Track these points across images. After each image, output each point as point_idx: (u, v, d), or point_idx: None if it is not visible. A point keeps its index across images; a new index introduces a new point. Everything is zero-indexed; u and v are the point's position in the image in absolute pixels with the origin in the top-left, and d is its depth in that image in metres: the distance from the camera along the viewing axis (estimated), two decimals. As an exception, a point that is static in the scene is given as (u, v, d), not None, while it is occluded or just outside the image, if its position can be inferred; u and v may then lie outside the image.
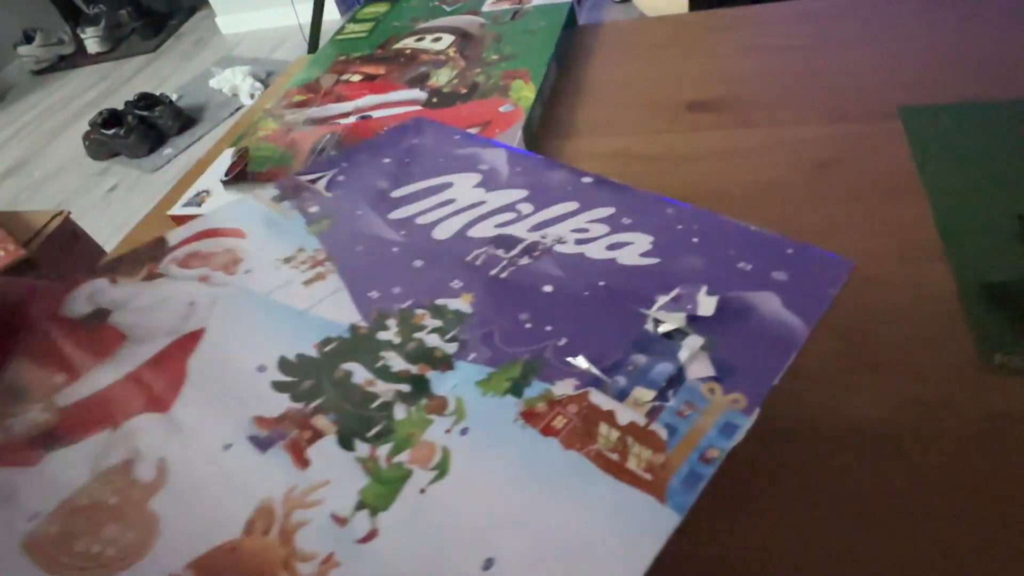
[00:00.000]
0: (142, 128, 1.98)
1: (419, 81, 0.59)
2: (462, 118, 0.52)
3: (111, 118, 1.99)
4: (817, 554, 0.25)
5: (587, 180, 0.32)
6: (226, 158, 0.54)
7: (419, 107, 0.55)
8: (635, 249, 0.28)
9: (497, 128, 0.49)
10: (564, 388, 0.22)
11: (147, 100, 2.06)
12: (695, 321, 0.24)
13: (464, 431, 0.21)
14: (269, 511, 0.19)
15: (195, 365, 0.24)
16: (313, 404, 0.22)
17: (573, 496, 0.19)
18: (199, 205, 0.50)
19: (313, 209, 0.33)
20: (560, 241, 0.29)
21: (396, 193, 0.33)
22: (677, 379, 0.22)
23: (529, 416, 0.21)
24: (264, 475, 0.20)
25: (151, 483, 0.20)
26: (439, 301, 0.26)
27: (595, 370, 0.22)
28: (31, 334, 0.27)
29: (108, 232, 1.79)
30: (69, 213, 1.23)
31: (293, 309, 0.26)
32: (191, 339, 0.26)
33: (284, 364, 0.24)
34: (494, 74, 0.57)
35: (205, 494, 0.20)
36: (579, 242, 0.28)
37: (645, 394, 0.21)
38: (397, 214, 0.32)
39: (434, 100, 0.55)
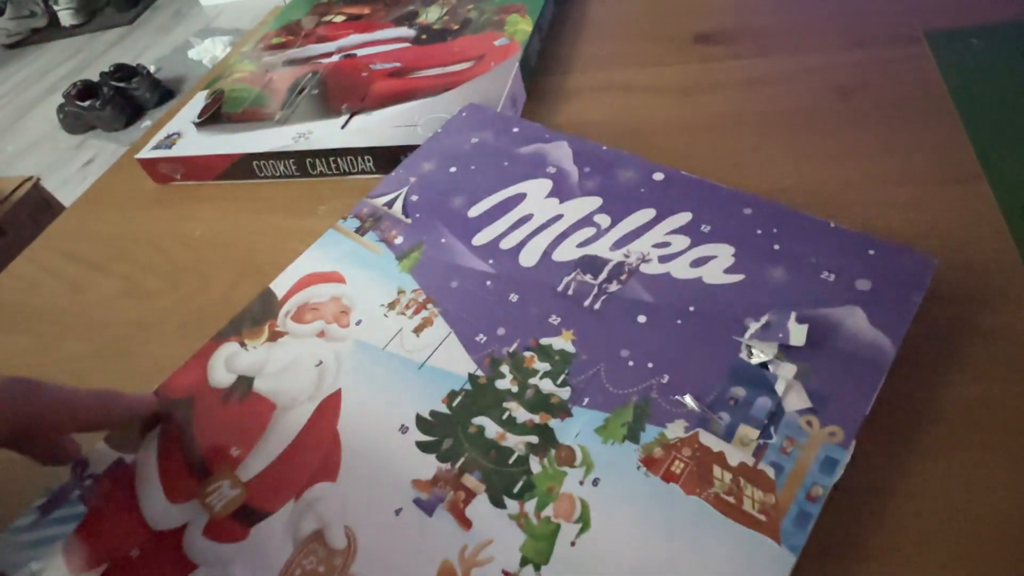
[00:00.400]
0: (118, 100, 1.88)
1: (407, 20, 0.57)
2: (454, 53, 0.50)
3: (86, 89, 1.89)
4: (880, 485, 0.25)
5: (659, 176, 0.33)
6: (200, 101, 0.54)
7: (407, 44, 0.53)
8: (719, 264, 0.29)
9: (492, 61, 0.48)
10: (675, 430, 0.25)
11: (123, 71, 1.94)
12: (786, 347, 0.26)
13: (595, 482, 0.24)
14: (450, 570, 0.24)
15: (345, 429, 0.28)
16: (458, 464, 0.26)
17: (699, 541, 0.22)
18: (169, 148, 0.50)
19: (398, 240, 0.34)
20: (644, 259, 0.30)
21: (473, 212, 0.34)
22: (777, 413, 0.24)
23: (649, 463, 0.24)
24: (436, 537, 0.24)
25: (345, 550, 0.25)
26: (543, 341, 0.29)
27: (702, 409, 0.25)
28: (189, 409, 0.31)
29: (81, 212, 1.75)
30: (39, 179, 1.21)
31: (412, 363, 0.29)
32: (333, 403, 0.29)
33: (422, 423, 0.27)
34: (488, 9, 0.55)
35: (392, 557, 0.24)
36: (663, 259, 0.30)
37: (750, 432, 0.24)
38: (480, 238, 0.33)
39: (423, 37, 0.54)
